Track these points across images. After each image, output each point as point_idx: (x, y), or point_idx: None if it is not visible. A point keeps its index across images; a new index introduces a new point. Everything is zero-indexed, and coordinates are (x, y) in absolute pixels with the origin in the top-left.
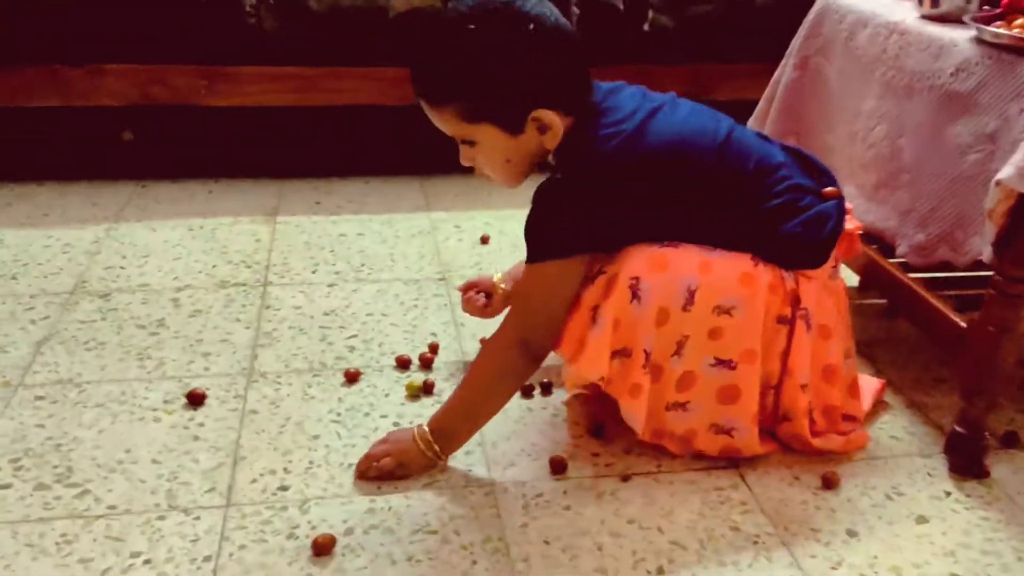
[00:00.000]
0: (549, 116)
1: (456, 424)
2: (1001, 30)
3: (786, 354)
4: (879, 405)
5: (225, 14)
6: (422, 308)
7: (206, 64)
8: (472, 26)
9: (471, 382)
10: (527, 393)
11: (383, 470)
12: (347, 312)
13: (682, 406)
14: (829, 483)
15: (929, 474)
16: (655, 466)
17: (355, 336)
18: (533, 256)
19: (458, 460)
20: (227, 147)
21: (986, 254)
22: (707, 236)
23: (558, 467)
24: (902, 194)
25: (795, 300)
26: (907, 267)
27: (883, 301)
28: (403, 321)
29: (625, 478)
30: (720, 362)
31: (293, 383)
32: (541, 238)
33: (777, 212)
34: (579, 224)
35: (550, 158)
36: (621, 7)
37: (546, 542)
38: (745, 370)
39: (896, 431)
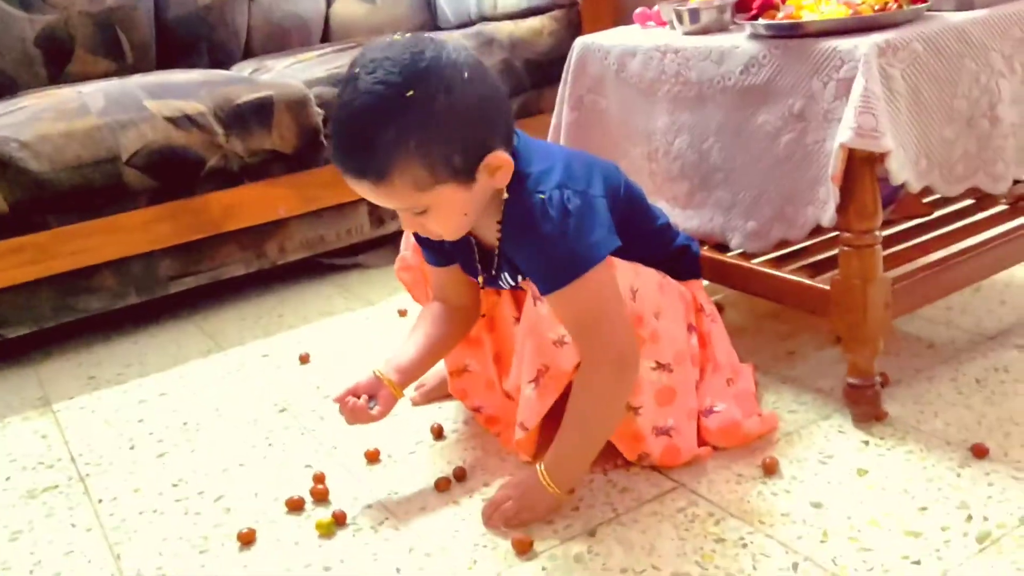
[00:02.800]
0: (500, 157)
1: (574, 466)
2: (776, 21)
3: (703, 354)
4: (757, 387)
5: None
6: (279, 445)
7: None
8: (410, 92)
9: (584, 422)
10: (444, 487)
11: (506, 515)
12: (199, 476)
13: (635, 410)
14: (770, 469)
15: (840, 431)
16: (611, 512)
17: (223, 497)
18: (575, 271)
19: None
20: None
21: (826, 218)
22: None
23: (524, 547)
24: (720, 192)
25: (698, 307)
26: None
27: None
28: (267, 464)
29: (591, 533)
30: (660, 366)
31: (181, 570)
32: (573, 251)
33: (667, 229)
34: (594, 225)
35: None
36: None
37: None
38: (679, 371)
39: (788, 405)
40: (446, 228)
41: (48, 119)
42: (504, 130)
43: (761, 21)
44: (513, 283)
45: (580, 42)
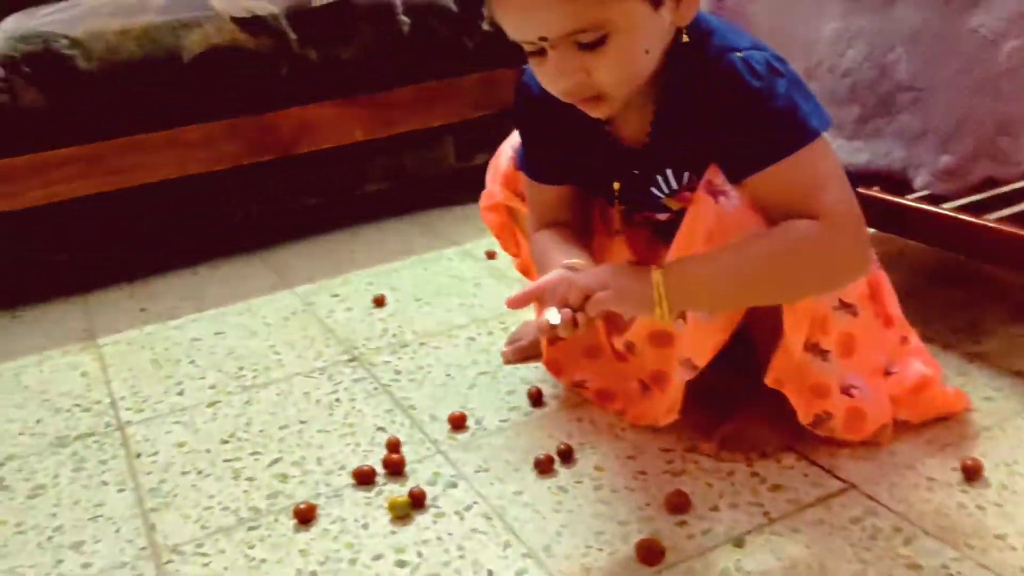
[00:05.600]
0: None
1: (702, 289)
2: None
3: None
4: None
5: None
6: (347, 400)
7: None
8: None
9: (751, 251)
10: (546, 469)
11: (599, 302)
12: (252, 432)
13: (822, 354)
14: (972, 474)
15: None
16: (762, 516)
17: (279, 460)
18: (798, 137)
19: None
20: None
21: None
22: None
23: (652, 554)
24: (906, 117)
25: None
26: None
27: None
28: (333, 423)
29: (738, 542)
30: (844, 305)
31: (226, 548)
32: (794, 112)
33: None
34: (808, 94)
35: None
36: (455, 8)
37: None
38: (863, 316)
39: (980, 391)
40: (621, 70)
41: (104, 15)
42: None
43: None
44: (677, 185)
45: None
